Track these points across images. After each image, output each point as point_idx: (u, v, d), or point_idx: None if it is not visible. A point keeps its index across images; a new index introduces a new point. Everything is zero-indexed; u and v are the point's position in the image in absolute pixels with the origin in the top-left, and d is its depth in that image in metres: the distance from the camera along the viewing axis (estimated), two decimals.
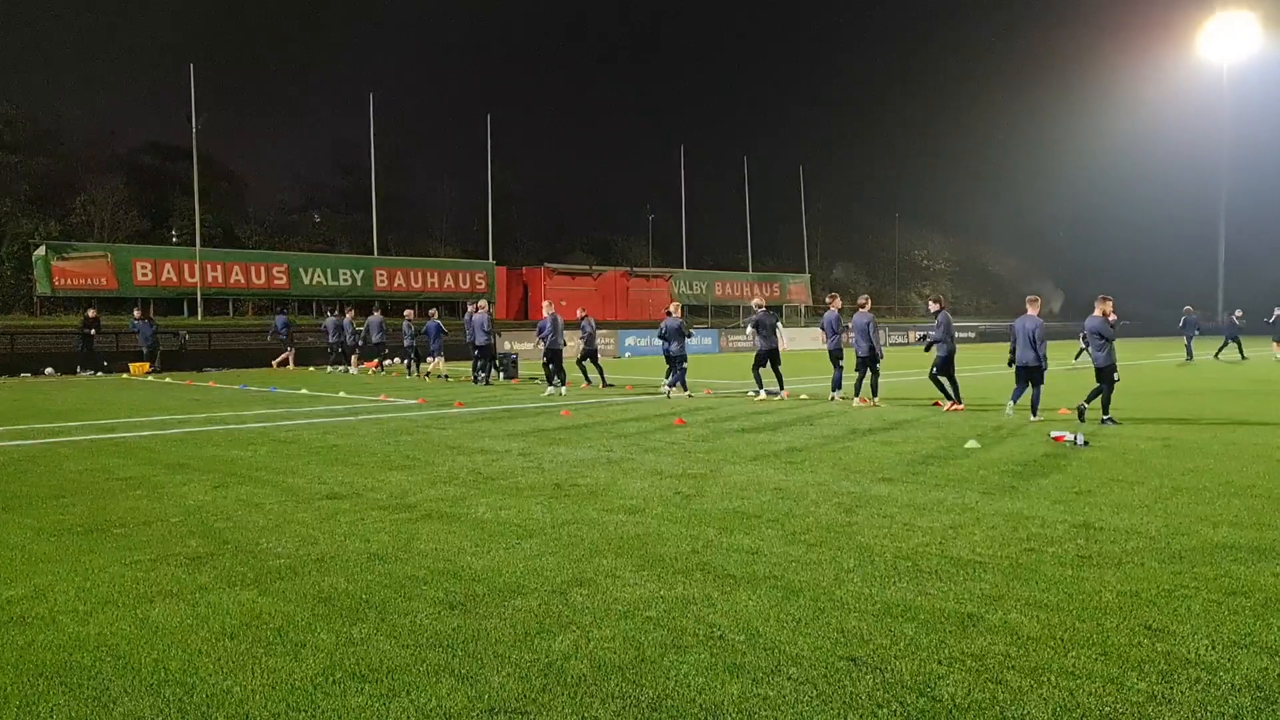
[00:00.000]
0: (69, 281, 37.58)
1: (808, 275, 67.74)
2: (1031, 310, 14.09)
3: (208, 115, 40.49)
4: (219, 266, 41.78)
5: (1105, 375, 13.25)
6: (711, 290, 61.25)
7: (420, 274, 48.50)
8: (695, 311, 57.29)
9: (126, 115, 79.57)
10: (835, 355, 17.23)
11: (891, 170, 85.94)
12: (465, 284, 49.87)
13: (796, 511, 7.48)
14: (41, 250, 37.21)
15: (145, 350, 29.26)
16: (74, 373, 28.55)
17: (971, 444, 11.13)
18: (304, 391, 20.80)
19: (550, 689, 3.96)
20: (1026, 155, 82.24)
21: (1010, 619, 4.79)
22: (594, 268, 56.45)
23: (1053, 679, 4.01)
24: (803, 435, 12.25)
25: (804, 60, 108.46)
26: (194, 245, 41.11)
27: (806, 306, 67.21)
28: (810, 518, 7.25)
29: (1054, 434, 11.72)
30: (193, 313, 40.28)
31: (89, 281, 38.01)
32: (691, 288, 60.24)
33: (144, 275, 39.64)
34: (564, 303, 50.72)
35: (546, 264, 53.90)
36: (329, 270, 45.72)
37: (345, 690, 3.96)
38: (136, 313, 31.15)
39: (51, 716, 3.70)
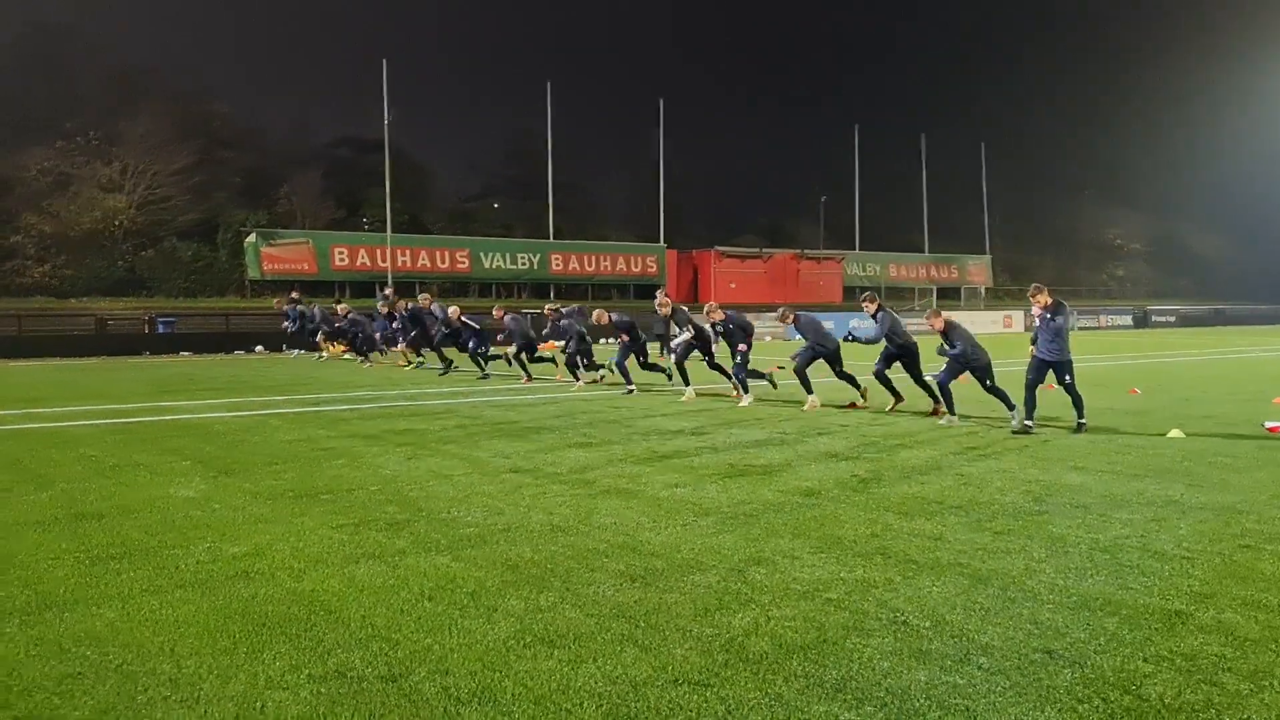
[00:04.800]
0: (275, 266, 40.36)
1: (987, 256, 65.14)
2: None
3: (399, 109, 42.44)
4: (407, 251, 43.91)
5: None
6: (885, 272, 59.79)
7: (593, 258, 49.48)
8: None
9: (324, 112, 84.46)
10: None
11: (1079, 145, 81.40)
12: (636, 267, 50.52)
13: (981, 499, 7.24)
14: (252, 237, 40.16)
15: (293, 333, 27.92)
16: (281, 350, 30.64)
17: (1175, 433, 10.46)
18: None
19: (732, 664, 3.99)
20: (1232, 123, 76.19)
21: (1225, 618, 4.49)
22: (764, 250, 56.06)
23: (1276, 685, 3.74)
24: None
25: (983, 36, 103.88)
26: (385, 232, 43.28)
27: (987, 288, 64.58)
28: (996, 505, 7.00)
29: (1268, 424, 10.87)
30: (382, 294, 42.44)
31: (293, 266, 40.68)
32: (865, 269, 59.00)
33: (340, 260, 42.13)
34: (734, 285, 50.74)
35: (716, 247, 53.90)
36: (508, 255, 47.29)
37: (536, 654, 4.11)
38: (294, 293, 30.23)
39: (275, 663, 4.01)
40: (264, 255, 40.36)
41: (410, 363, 23.11)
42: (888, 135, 68.41)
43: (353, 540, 6.07)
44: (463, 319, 20.17)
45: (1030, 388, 11.02)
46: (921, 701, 3.62)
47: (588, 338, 17.95)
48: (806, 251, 57.65)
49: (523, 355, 18.49)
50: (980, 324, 43.70)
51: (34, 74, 46.60)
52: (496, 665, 3.99)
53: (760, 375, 15.06)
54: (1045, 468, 8.56)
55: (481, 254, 46.48)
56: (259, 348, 30.75)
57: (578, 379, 17.56)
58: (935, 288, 60.85)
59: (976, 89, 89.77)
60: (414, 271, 43.93)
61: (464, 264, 45.52)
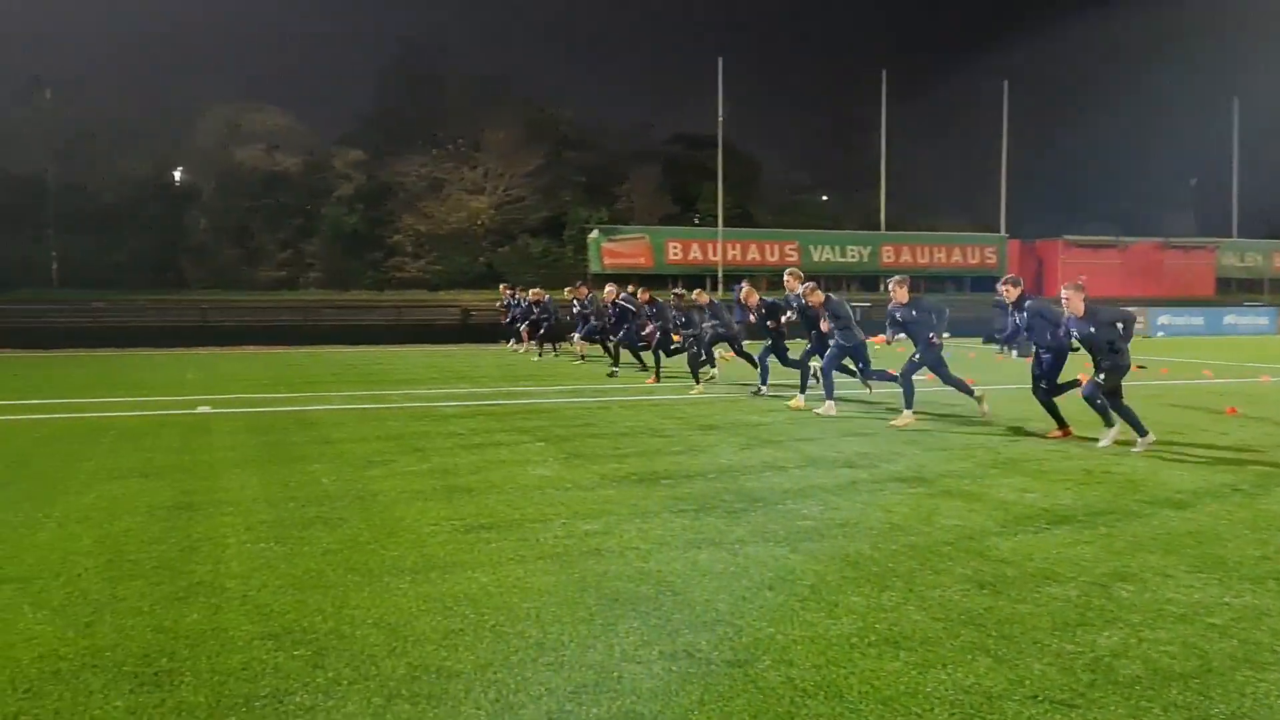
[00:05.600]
0: (615, 261, 42.67)
1: None
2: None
3: (731, 105, 43.28)
4: (737, 245, 44.74)
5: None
6: (1270, 262, 52.79)
7: (927, 249, 47.79)
8: (1250, 287, 49.85)
9: (661, 110, 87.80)
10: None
11: None
12: (974, 259, 48.16)
13: None
14: (595, 233, 42.76)
15: (519, 326, 26.20)
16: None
17: None
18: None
19: (1099, 685, 3.68)
20: None
21: None
22: (1120, 239, 51.34)
23: None
24: None
25: None
26: (715, 226, 44.36)
27: None
28: None
29: None
30: (714, 288, 43.55)
31: (631, 260, 42.84)
32: (1243, 260, 52.40)
33: (674, 254, 43.76)
34: (1084, 278, 46.91)
35: (1064, 236, 50.09)
36: (837, 247, 46.83)
37: (881, 654, 4.03)
38: (508, 290, 28.48)
39: (628, 637, 4.23)
40: (605, 250, 42.78)
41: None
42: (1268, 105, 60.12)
43: (694, 526, 6.27)
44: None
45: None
46: None
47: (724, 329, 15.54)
48: (1172, 240, 52.11)
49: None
50: None
51: (412, 89, 52.28)
52: (840, 661, 3.95)
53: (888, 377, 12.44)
54: None
55: (811, 246, 46.35)
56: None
57: (696, 380, 15.37)
58: None
59: None
60: (743, 265, 44.64)
61: (793, 256, 45.56)
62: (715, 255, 43.74)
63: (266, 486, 7.52)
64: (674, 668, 3.88)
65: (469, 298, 40.88)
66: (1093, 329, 9.21)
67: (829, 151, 66.13)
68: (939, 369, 11.31)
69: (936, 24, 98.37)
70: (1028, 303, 10.34)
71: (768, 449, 9.40)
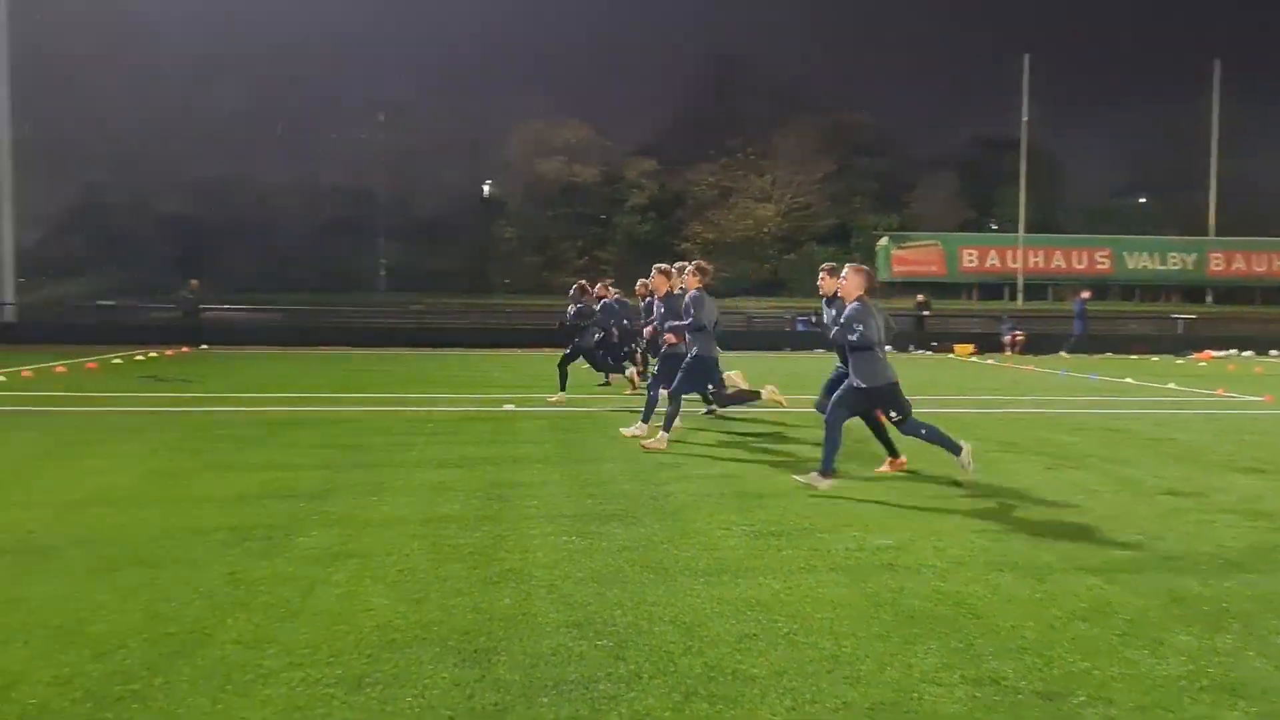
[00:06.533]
0: (905, 268, 41.54)
1: None
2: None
3: (1038, 105, 40.87)
4: (1040, 252, 42.21)
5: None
6: None
7: (1265, 257, 42.84)
8: None
9: (959, 113, 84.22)
10: None
11: None
12: None
13: None
14: (884, 240, 41.83)
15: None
16: (906, 351, 31.39)
17: None
18: (1129, 380, 19.85)
19: None
20: None
21: None
22: None
23: None
24: None
25: None
26: (1015, 232, 42.03)
27: None
28: None
29: None
30: (1012, 297, 41.27)
31: (921, 268, 41.47)
32: None
33: (969, 262, 41.93)
34: None
35: None
36: (1156, 254, 43.02)
37: (1215, 700, 3.65)
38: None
39: (927, 658, 4.09)
40: (894, 258, 41.73)
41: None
42: None
43: (995, 547, 5.96)
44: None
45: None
46: None
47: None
48: None
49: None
50: None
51: (709, 99, 53.56)
52: (1167, 704, 3.62)
53: (744, 398, 10.67)
54: None
55: (1125, 253, 42.89)
56: (887, 348, 31.80)
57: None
58: None
59: None
60: (1046, 273, 42.09)
61: (1104, 264, 42.41)
62: (1015, 262, 41.49)
63: (566, 482, 7.94)
64: (978, 694, 3.70)
65: (752, 304, 41.22)
66: None
67: (1148, 151, 60.74)
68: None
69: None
70: None
71: (1077, 471, 8.78)
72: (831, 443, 7.59)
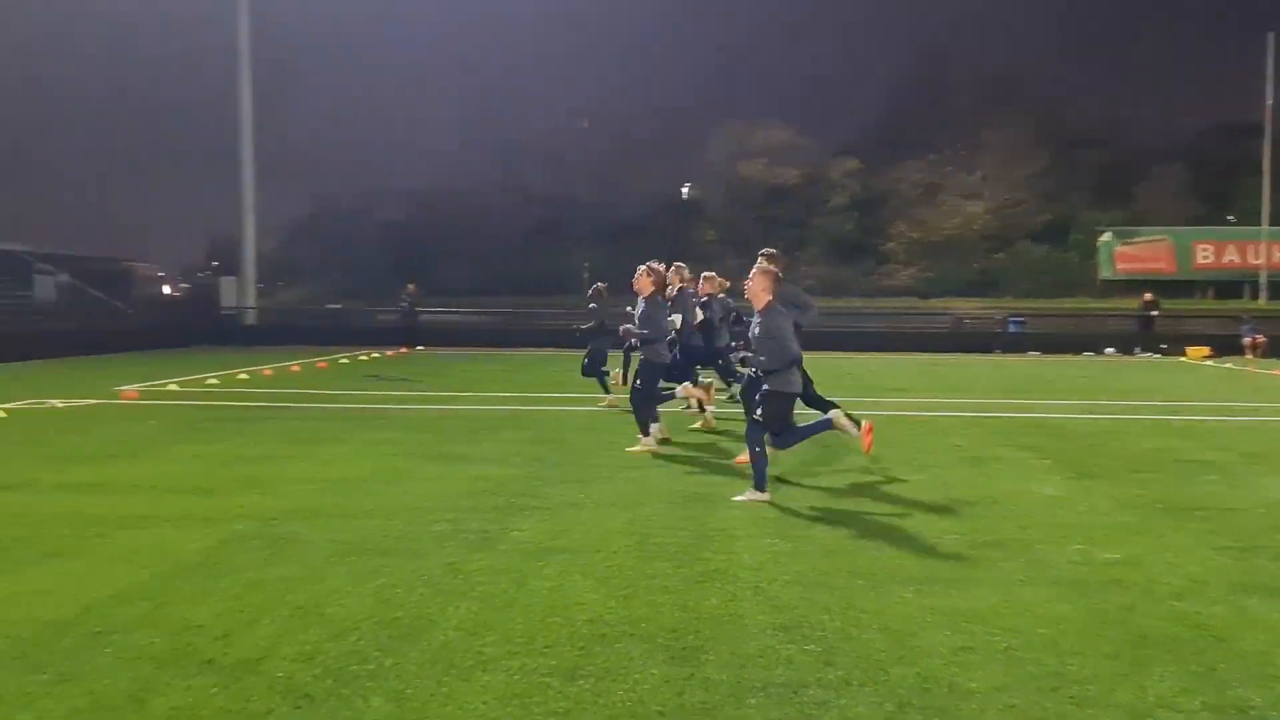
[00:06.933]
0: (1130, 265, 38.95)
1: None
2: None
3: None
4: None
5: None
6: None
7: None
8: None
9: (1192, 100, 78.04)
10: None
11: None
12: None
13: None
14: (1107, 236, 39.35)
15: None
16: (1130, 353, 29.39)
17: None
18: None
19: None
20: None
21: None
22: None
23: None
24: None
25: None
26: (1258, 226, 38.56)
27: None
28: None
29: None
30: (1254, 296, 37.90)
31: (1149, 265, 38.75)
32: None
33: (1203, 258, 38.87)
34: None
35: None
36: None
37: None
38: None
39: (1162, 681, 3.81)
40: (1117, 254, 39.20)
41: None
42: None
43: (1238, 566, 5.48)
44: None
45: None
46: None
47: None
48: None
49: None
50: None
51: (918, 95, 52.01)
52: None
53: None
54: None
55: None
56: (1110, 350, 29.83)
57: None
58: None
59: None
60: None
61: None
62: (1257, 258, 38.00)
63: (770, 484, 7.88)
64: None
65: (961, 304, 39.70)
66: None
67: None
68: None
69: None
70: None
71: None
72: (762, 462, 7.26)
